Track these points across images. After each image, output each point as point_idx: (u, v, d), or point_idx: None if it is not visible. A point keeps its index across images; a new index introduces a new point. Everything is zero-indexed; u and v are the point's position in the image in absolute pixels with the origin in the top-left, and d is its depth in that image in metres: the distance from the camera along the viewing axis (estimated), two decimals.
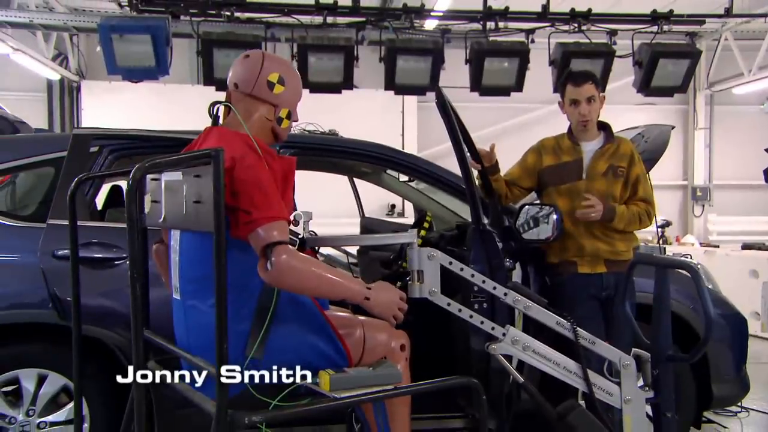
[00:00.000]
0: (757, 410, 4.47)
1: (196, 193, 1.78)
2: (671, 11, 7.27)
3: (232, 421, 1.68)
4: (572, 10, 7.21)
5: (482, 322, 2.25)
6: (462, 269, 2.27)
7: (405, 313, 2.10)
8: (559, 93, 3.48)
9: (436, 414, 2.95)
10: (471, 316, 2.25)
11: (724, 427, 4.16)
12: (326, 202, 6.42)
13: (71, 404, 3.03)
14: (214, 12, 6.80)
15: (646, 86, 7.17)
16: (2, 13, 7.77)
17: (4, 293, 3.07)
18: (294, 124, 3.88)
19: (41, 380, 3.05)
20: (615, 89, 9.32)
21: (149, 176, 2.15)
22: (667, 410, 2.38)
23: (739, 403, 4.21)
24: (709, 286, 3.69)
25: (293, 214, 1.96)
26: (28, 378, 3.07)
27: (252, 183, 1.82)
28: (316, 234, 2.58)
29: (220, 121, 2.15)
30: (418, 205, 4.75)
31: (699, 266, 3.74)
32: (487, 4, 7.26)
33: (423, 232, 3.89)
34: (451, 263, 2.25)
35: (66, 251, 2.99)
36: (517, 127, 11.48)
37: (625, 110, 11.47)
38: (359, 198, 5.64)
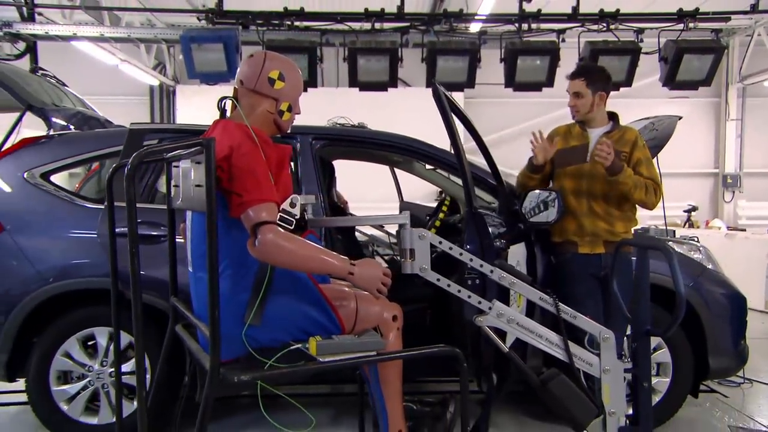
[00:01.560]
0: (760, 381, 4.21)
1: (198, 178, 1.78)
2: (697, 9, 6.84)
3: (224, 378, 1.69)
4: (601, 10, 6.89)
5: (469, 296, 2.18)
6: (450, 248, 2.20)
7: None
8: None
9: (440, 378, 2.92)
10: (459, 291, 2.18)
11: (726, 397, 3.93)
12: (372, 189, 6.38)
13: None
14: (277, 22, 6.84)
15: (671, 80, 6.79)
16: (112, 30, 8.07)
17: (82, 264, 3.21)
18: (327, 118, 3.92)
19: (112, 337, 3.17)
20: (650, 84, 8.97)
21: (174, 163, 2.17)
22: (644, 380, 2.25)
23: (742, 374, 3.99)
24: (710, 267, 3.48)
25: (291, 197, 1.92)
26: (101, 335, 3.22)
27: (245, 169, 1.81)
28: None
29: (228, 114, 2.14)
30: (445, 191, 4.66)
31: (702, 248, 3.56)
32: (522, 8, 7.05)
33: (441, 215, 3.82)
34: (440, 242, 2.18)
35: (119, 229, 3.10)
36: (554, 120, 11.17)
37: (660, 103, 11.02)
38: (399, 184, 5.61)
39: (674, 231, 3.92)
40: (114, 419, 3.08)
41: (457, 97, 12.07)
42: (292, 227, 1.91)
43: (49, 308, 3.16)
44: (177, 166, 2.10)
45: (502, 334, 2.31)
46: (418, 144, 3.49)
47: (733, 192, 11.98)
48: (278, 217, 1.87)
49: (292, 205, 1.91)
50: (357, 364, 1.94)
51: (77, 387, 3.17)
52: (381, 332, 2.11)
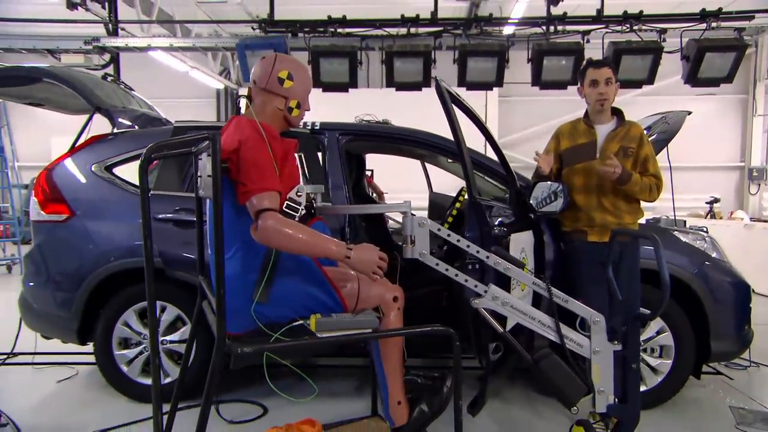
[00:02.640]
0: (765, 364, 3.98)
1: (210, 168, 1.80)
2: (720, 9, 6.46)
3: (229, 349, 1.72)
4: (625, 12, 6.60)
5: (466, 280, 2.15)
6: (449, 235, 2.17)
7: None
8: (578, 79, 3.19)
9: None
10: (456, 275, 2.15)
11: (731, 379, 3.75)
12: (406, 181, 6.34)
13: (184, 328, 3.26)
14: (322, 29, 6.86)
15: (692, 78, 6.45)
16: (180, 41, 8.29)
17: (138, 246, 3.31)
18: (354, 115, 3.92)
19: (163, 309, 3.28)
20: (677, 82, 8.47)
21: (199, 156, 2.21)
22: (632, 362, 2.16)
23: (748, 357, 3.79)
24: (714, 255, 3.30)
25: (296, 187, 1.92)
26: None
27: (251, 161, 1.82)
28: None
29: (242, 111, 2.16)
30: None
31: (707, 238, 3.39)
32: (549, 11, 6.85)
33: (458, 205, 3.76)
34: (439, 230, 2.15)
35: (162, 215, 3.20)
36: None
37: (687, 100, 10.64)
38: (428, 177, 5.57)
39: (685, 221, 3.74)
40: (165, 381, 3.22)
41: (491, 95, 11.86)
42: (298, 214, 1.91)
43: (111, 284, 3.29)
44: (201, 159, 2.14)
45: (504, 317, 2.27)
46: (433, 138, 3.45)
47: (759, 185, 11.38)
48: (285, 204, 1.88)
49: (298, 194, 1.91)
50: (352, 340, 1.93)
51: (135, 352, 3.31)
52: (383, 311, 2.10)
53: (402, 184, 6.69)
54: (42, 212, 3.43)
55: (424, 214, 4.59)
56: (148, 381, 3.30)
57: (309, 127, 3.37)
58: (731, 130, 11.74)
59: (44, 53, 8.23)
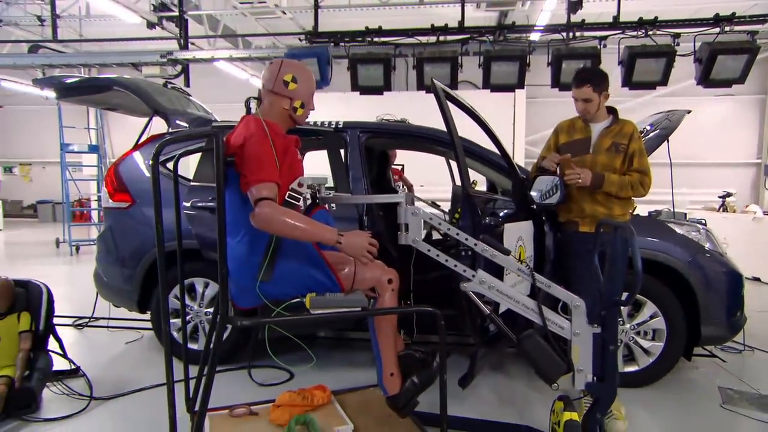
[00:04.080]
0: (761, 350, 3.73)
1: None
2: (734, 13, 6.01)
3: (230, 321, 1.73)
4: (640, 18, 6.24)
5: (455, 266, 2.09)
6: (439, 224, 2.11)
7: None
8: None
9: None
10: (446, 261, 2.09)
11: (724, 362, 3.52)
12: (432, 174, 6.24)
13: None
14: (360, 39, 6.82)
15: (704, 79, 6.03)
16: (238, 52, 8.45)
17: (186, 231, 3.37)
18: (376, 114, 3.86)
19: (206, 285, 3.36)
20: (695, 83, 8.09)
21: None
22: (610, 343, 2.05)
23: (743, 341, 3.56)
24: (707, 246, 3.09)
25: (298, 178, 1.91)
26: (198, 284, 3.40)
27: (252, 155, 1.81)
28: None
29: (253, 111, 2.15)
30: (486, 176, 4.45)
31: (703, 230, 3.18)
32: (569, 19, 6.57)
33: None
34: (431, 218, 2.10)
35: (200, 203, 3.24)
36: None
37: (708, 100, 10.09)
38: (452, 171, 5.45)
39: (685, 214, 3.51)
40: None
41: (519, 97, 11.53)
42: (300, 203, 1.91)
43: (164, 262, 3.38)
44: None
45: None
46: (439, 134, 3.36)
47: None
48: (287, 194, 1.87)
49: (300, 185, 1.90)
50: (341, 317, 1.90)
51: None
52: (378, 292, 2.07)
53: (430, 178, 6.61)
54: (110, 200, 3.57)
55: (448, 205, 4.51)
56: (195, 346, 3.40)
57: (333, 126, 3.36)
58: (748, 129, 11.02)
59: (129, 66, 8.54)
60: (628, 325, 3.03)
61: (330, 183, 3.17)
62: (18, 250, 9.42)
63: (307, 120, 2.20)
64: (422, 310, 1.89)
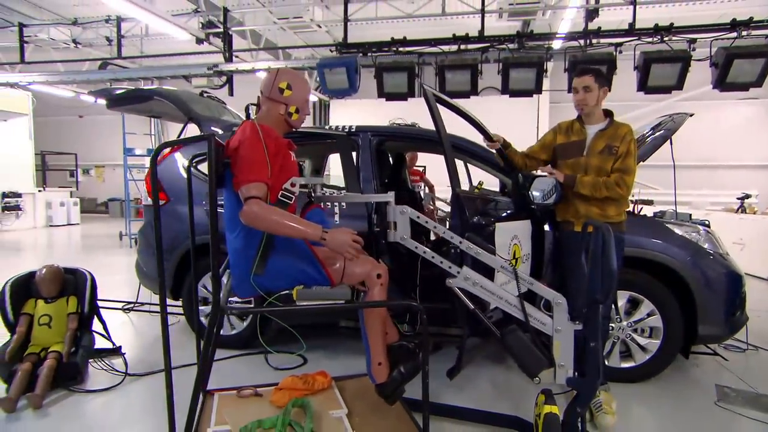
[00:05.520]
0: (763, 348, 3.47)
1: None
2: (751, 18, 5.62)
3: (222, 310, 1.75)
4: (656, 25, 5.94)
5: (441, 262, 2.04)
6: (426, 222, 2.06)
7: None
8: None
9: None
10: (433, 257, 2.04)
11: (725, 360, 3.30)
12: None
13: None
14: (386, 49, 6.79)
15: (720, 83, 5.70)
16: (276, 63, 8.57)
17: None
18: (388, 119, 3.82)
19: (230, 276, 3.40)
20: None
21: None
22: (592, 340, 1.95)
23: (746, 340, 3.32)
24: (706, 247, 2.90)
25: (291, 179, 1.90)
26: (224, 275, 3.45)
27: (244, 157, 1.81)
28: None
29: (252, 116, 2.16)
30: (496, 176, 4.33)
31: (703, 231, 2.99)
32: (587, 27, 6.34)
33: None
34: (418, 217, 2.05)
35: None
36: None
37: (732, 104, 9.50)
38: (469, 172, 5.35)
39: (690, 215, 3.30)
40: (231, 332, 3.32)
41: (543, 102, 11.24)
42: (293, 201, 1.90)
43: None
44: None
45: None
46: (451, 138, 3.28)
47: None
48: (280, 194, 1.87)
49: (292, 185, 1.89)
50: (326, 309, 1.88)
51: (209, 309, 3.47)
52: (368, 286, 2.04)
53: (446, 178, 6.52)
54: (149, 198, 3.68)
55: None
56: (222, 332, 3.47)
57: (346, 130, 3.35)
58: None
59: (181, 78, 8.83)
60: (625, 322, 2.89)
61: (332, 183, 3.19)
62: (89, 241, 9.92)
63: (327, 126, 2.18)
64: (404, 303, 1.85)
